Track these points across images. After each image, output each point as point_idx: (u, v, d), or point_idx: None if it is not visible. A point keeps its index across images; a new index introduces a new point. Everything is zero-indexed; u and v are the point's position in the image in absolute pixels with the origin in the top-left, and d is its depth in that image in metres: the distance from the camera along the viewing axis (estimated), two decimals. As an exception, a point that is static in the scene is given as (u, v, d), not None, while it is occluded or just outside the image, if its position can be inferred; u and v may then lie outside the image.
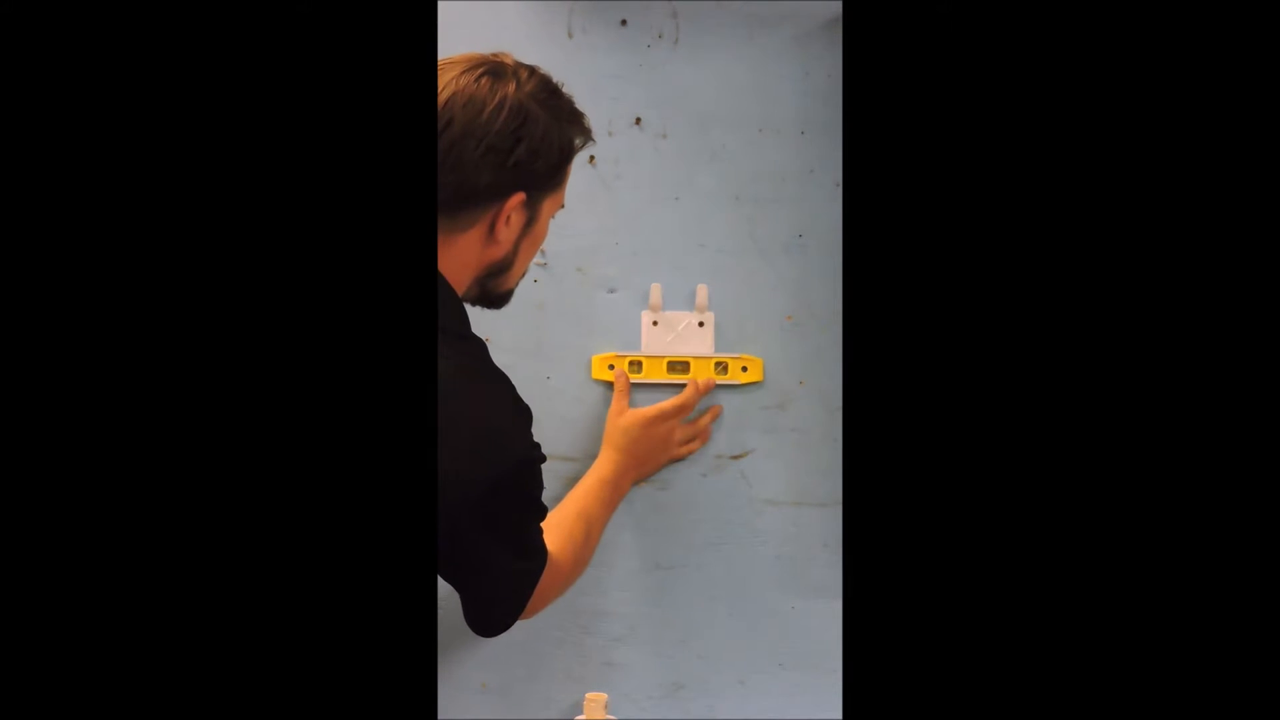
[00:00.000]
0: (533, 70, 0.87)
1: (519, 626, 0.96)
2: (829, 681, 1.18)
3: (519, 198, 0.86)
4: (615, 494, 1.13)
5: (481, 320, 0.93)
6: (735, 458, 1.18)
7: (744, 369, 1.17)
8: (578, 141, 0.90)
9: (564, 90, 0.89)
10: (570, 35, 1.16)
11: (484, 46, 0.90)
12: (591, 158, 1.15)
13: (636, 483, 1.16)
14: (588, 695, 1.14)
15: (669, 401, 1.14)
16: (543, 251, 1.14)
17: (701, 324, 1.17)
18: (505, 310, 0.95)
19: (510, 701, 1.18)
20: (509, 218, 0.87)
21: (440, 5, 0.96)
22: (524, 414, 0.90)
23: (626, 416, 1.13)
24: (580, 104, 0.91)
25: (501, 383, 0.89)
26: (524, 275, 0.94)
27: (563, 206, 0.93)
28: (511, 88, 0.84)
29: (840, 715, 1.08)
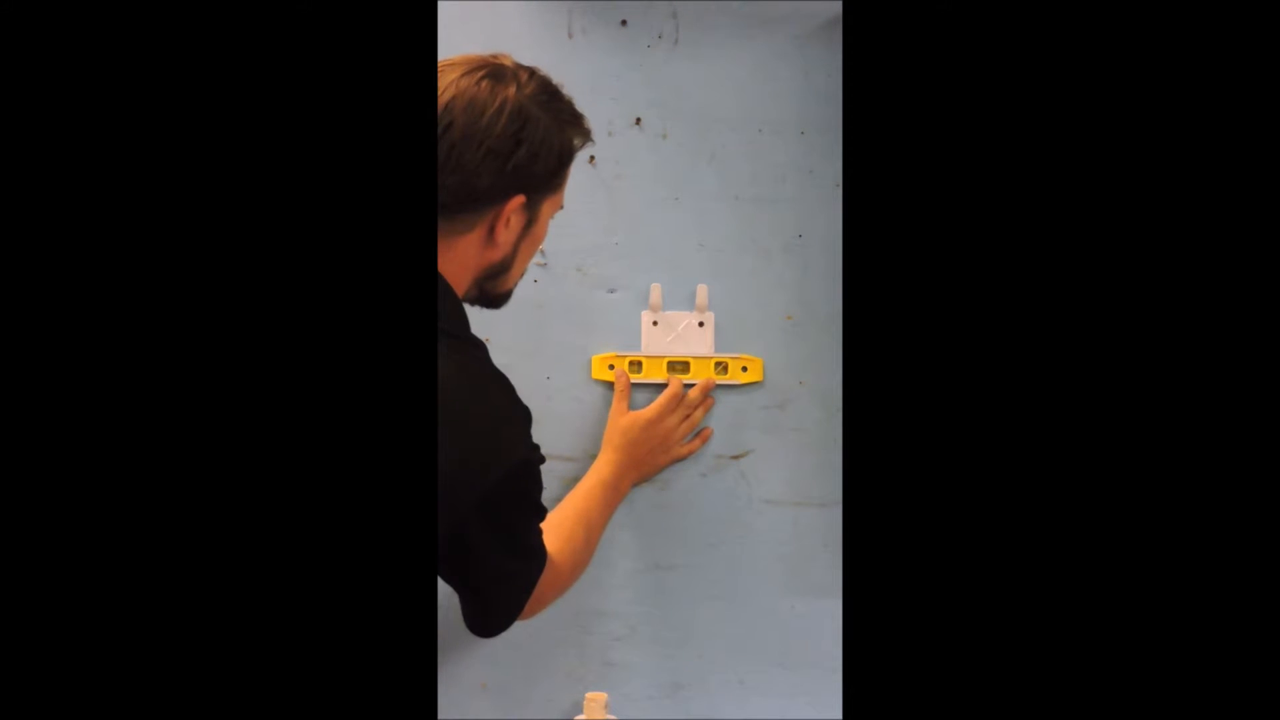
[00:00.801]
0: (533, 72, 0.87)
1: (519, 626, 0.96)
2: (829, 681, 1.18)
3: (519, 200, 0.86)
4: (615, 496, 1.13)
5: (481, 320, 0.93)
6: (735, 458, 1.18)
7: (744, 369, 1.17)
8: (577, 143, 0.90)
9: (564, 92, 0.89)
10: (570, 35, 1.16)
11: (484, 47, 0.90)
12: (591, 158, 1.15)
13: (636, 484, 1.16)
14: (588, 695, 1.14)
15: (660, 398, 1.14)
16: (542, 251, 1.14)
17: (701, 324, 1.17)
18: (505, 310, 0.95)
19: (510, 701, 1.18)
20: (508, 220, 0.86)
21: (440, 5, 0.96)
22: (523, 415, 0.90)
23: (626, 418, 1.14)
24: (580, 104, 0.91)
25: (501, 383, 0.89)
26: (523, 276, 0.94)
27: (562, 207, 0.93)
28: (512, 90, 0.84)
29: (840, 715, 1.08)
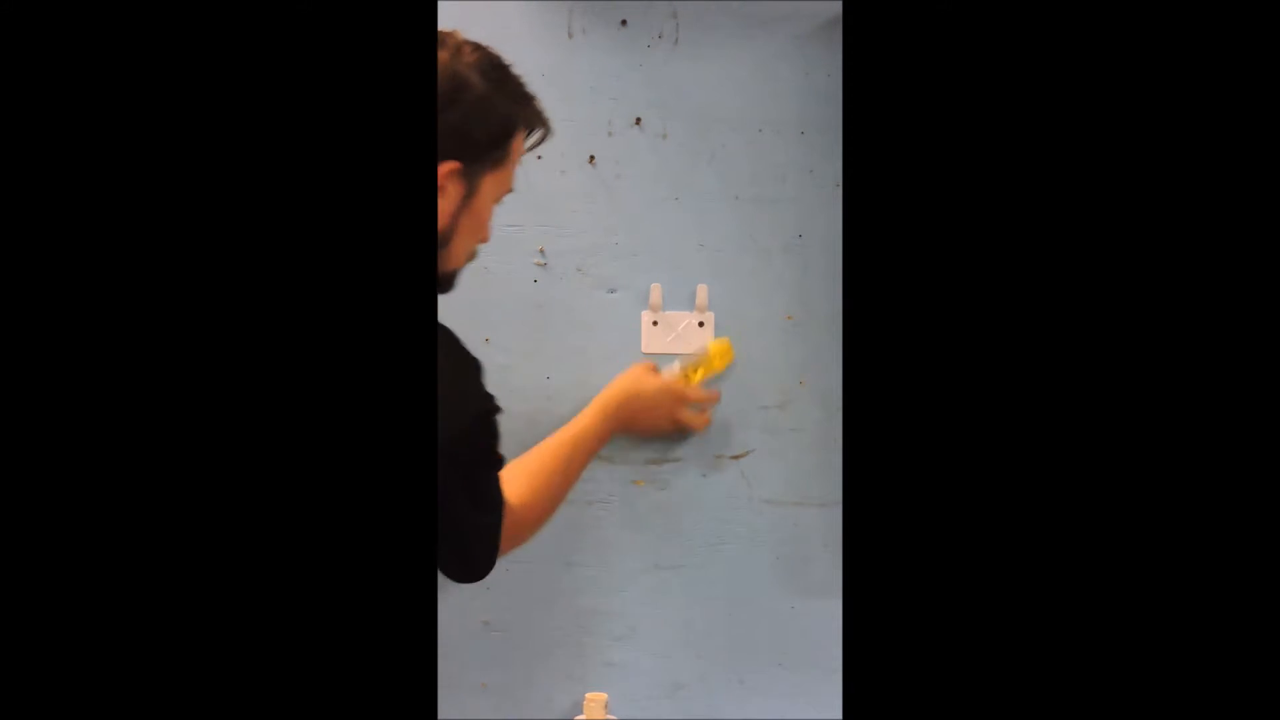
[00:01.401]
0: (479, 46, 0.88)
1: (519, 626, 0.96)
2: (829, 681, 1.18)
3: (452, 166, 0.85)
4: (596, 446, 1.10)
5: (482, 320, 0.93)
6: (735, 458, 1.18)
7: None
8: (524, 125, 0.89)
9: (514, 71, 0.89)
10: (570, 35, 1.16)
11: (483, 46, 0.90)
12: (591, 158, 1.15)
13: (616, 434, 1.13)
14: (588, 695, 1.14)
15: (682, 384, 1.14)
16: (542, 251, 1.15)
17: (701, 324, 1.17)
18: (505, 310, 0.95)
19: (510, 701, 1.18)
20: (444, 186, 0.85)
21: (440, 5, 0.96)
22: (473, 367, 0.89)
23: (651, 375, 1.12)
24: (580, 104, 0.91)
25: (445, 336, 0.87)
26: (470, 259, 0.92)
27: (511, 190, 0.91)
28: (445, 56, 0.85)
29: (840, 715, 1.08)
